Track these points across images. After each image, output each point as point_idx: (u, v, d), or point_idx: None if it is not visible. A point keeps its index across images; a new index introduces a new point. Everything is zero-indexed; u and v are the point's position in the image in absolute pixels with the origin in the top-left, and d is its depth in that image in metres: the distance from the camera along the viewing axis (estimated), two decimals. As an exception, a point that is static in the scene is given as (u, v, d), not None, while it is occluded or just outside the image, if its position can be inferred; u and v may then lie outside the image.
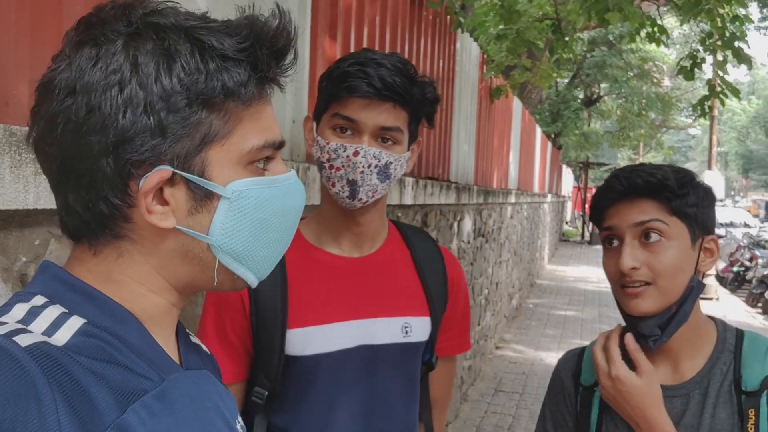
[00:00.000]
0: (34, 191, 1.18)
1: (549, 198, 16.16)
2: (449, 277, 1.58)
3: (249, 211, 0.77)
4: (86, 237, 0.75)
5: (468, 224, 5.86)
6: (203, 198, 0.74)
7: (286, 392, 1.39)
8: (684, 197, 1.29)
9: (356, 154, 1.33)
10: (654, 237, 1.28)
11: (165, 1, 0.76)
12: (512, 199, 8.79)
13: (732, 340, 1.35)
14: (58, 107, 0.70)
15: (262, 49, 0.75)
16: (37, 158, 0.76)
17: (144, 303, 0.77)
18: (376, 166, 1.35)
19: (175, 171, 0.72)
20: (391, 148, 1.37)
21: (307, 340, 1.37)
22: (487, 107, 6.83)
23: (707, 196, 1.32)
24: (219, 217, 0.75)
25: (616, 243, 1.33)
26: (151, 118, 0.70)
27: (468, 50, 5.80)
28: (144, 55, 0.70)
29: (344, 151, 1.34)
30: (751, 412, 1.26)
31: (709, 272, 12.89)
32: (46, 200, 1.20)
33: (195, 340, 0.94)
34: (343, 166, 1.34)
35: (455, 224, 5.35)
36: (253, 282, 0.83)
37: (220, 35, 0.73)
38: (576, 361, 1.47)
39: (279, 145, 0.81)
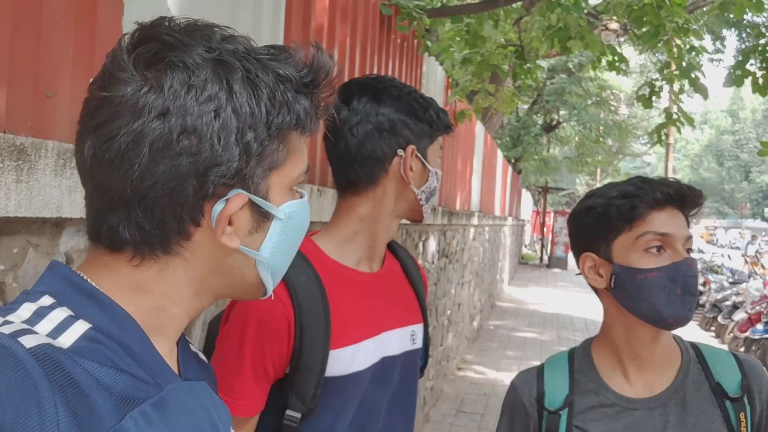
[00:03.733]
0: (15, 199, 1.17)
1: (509, 221, 16.35)
2: (426, 285, 1.70)
3: (292, 230, 0.83)
4: (134, 249, 0.76)
5: (432, 245, 5.91)
6: (262, 219, 0.80)
7: (322, 412, 1.37)
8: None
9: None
10: (691, 254, 1.33)
11: (225, 27, 0.78)
12: (475, 221, 8.88)
13: (692, 351, 1.41)
14: (148, 126, 0.71)
15: (320, 84, 0.79)
16: (96, 173, 0.74)
17: (160, 315, 0.78)
18: None
19: (251, 196, 0.76)
20: None
21: (348, 360, 1.39)
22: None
23: None
24: (272, 236, 0.81)
25: (663, 251, 1.31)
26: (240, 144, 0.74)
27: (434, 74, 5.89)
28: (237, 83, 0.73)
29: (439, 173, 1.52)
30: (742, 416, 1.31)
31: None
32: (27, 208, 1.20)
33: (194, 348, 0.94)
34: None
35: (420, 244, 5.39)
36: (270, 292, 0.86)
37: (288, 67, 0.77)
38: (536, 383, 1.43)
39: (307, 171, 0.86)
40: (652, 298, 1.30)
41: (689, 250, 1.33)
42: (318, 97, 0.80)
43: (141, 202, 0.73)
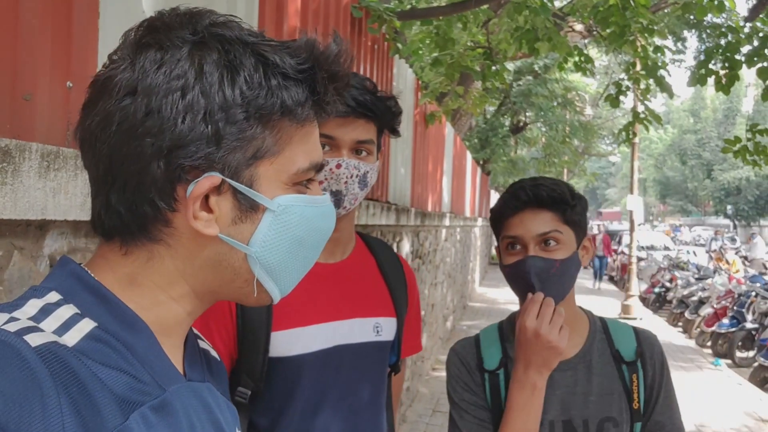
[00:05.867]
0: (0, 201, 1.17)
1: (479, 222, 16.47)
2: (408, 282, 1.73)
3: (291, 226, 0.78)
4: (120, 237, 0.75)
5: (406, 246, 5.93)
6: (248, 209, 0.76)
7: (272, 393, 1.43)
8: (574, 208, 1.53)
9: (339, 166, 1.44)
10: (552, 244, 1.51)
11: (226, 15, 0.77)
12: (446, 222, 8.93)
13: (599, 324, 1.66)
14: (116, 106, 0.70)
15: (321, 72, 0.76)
16: (81, 154, 0.75)
17: (161, 311, 0.77)
18: (357, 176, 1.46)
19: (225, 179, 0.73)
20: (366, 159, 1.49)
21: (291, 342, 1.43)
22: (422, 132, 6.96)
23: (586, 205, 1.60)
24: (262, 229, 0.76)
25: (518, 248, 1.53)
26: (209, 126, 0.71)
27: (404, 76, 5.91)
28: (209, 64, 0.71)
29: (327, 165, 1.43)
30: (634, 377, 1.58)
31: (632, 293, 13.34)
32: (12, 211, 1.19)
33: (204, 345, 0.93)
34: (326, 179, 1.44)
35: (395, 245, 5.41)
36: (276, 297, 0.83)
37: (282, 54, 0.74)
38: (476, 351, 1.64)
39: (320, 167, 0.82)
40: (511, 287, 1.58)
41: (547, 241, 1.51)
42: (319, 87, 0.76)
43: (113, 185, 0.72)
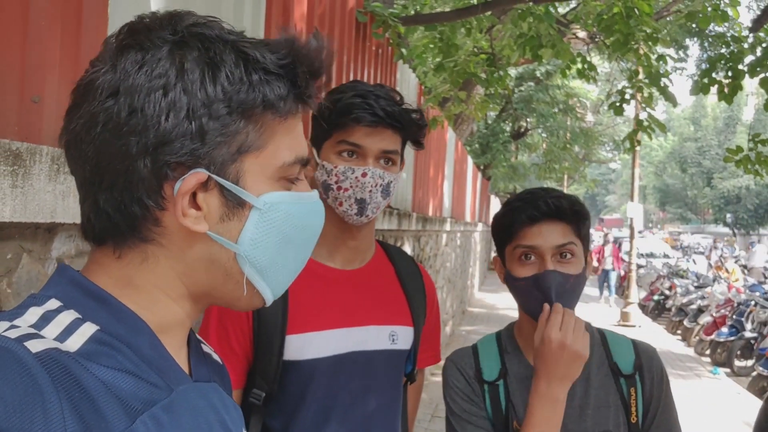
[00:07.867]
0: (11, 204, 1.17)
1: (479, 227, 16.47)
2: (427, 292, 1.72)
3: (278, 223, 0.78)
4: (112, 240, 0.75)
5: (408, 250, 5.93)
6: (235, 206, 0.75)
7: (285, 396, 1.44)
8: (586, 222, 1.54)
9: (364, 175, 1.46)
10: (567, 256, 1.51)
11: (207, 16, 0.77)
12: (447, 227, 8.93)
13: (598, 336, 1.63)
14: (99, 107, 0.70)
15: (301, 67, 0.77)
16: (67, 158, 0.76)
17: (160, 311, 0.77)
18: (380, 185, 1.48)
19: (211, 175, 0.73)
20: (390, 169, 1.51)
21: (305, 346, 1.44)
22: (423, 137, 6.95)
23: (590, 220, 1.60)
24: (249, 227, 0.76)
25: (532, 259, 1.51)
26: (193, 123, 0.71)
27: (407, 81, 5.92)
28: (190, 61, 0.72)
29: (353, 173, 1.46)
30: (633, 390, 1.56)
31: (631, 301, 13.32)
32: (22, 214, 1.19)
33: (207, 349, 0.93)
34: (351, 186, 1.46)
35: (395, 250, 5.40)
36: (269, 299, 0.82)
37: (263, 50, 0.75)
38: (474, 362, 1.62)
39: (306, 162, 0.82)
40: (522, 300, 1.55)
41: (563, 254, 1.50)
42: (300, 81, 0.77)
43: (101, 185, 0.72)
